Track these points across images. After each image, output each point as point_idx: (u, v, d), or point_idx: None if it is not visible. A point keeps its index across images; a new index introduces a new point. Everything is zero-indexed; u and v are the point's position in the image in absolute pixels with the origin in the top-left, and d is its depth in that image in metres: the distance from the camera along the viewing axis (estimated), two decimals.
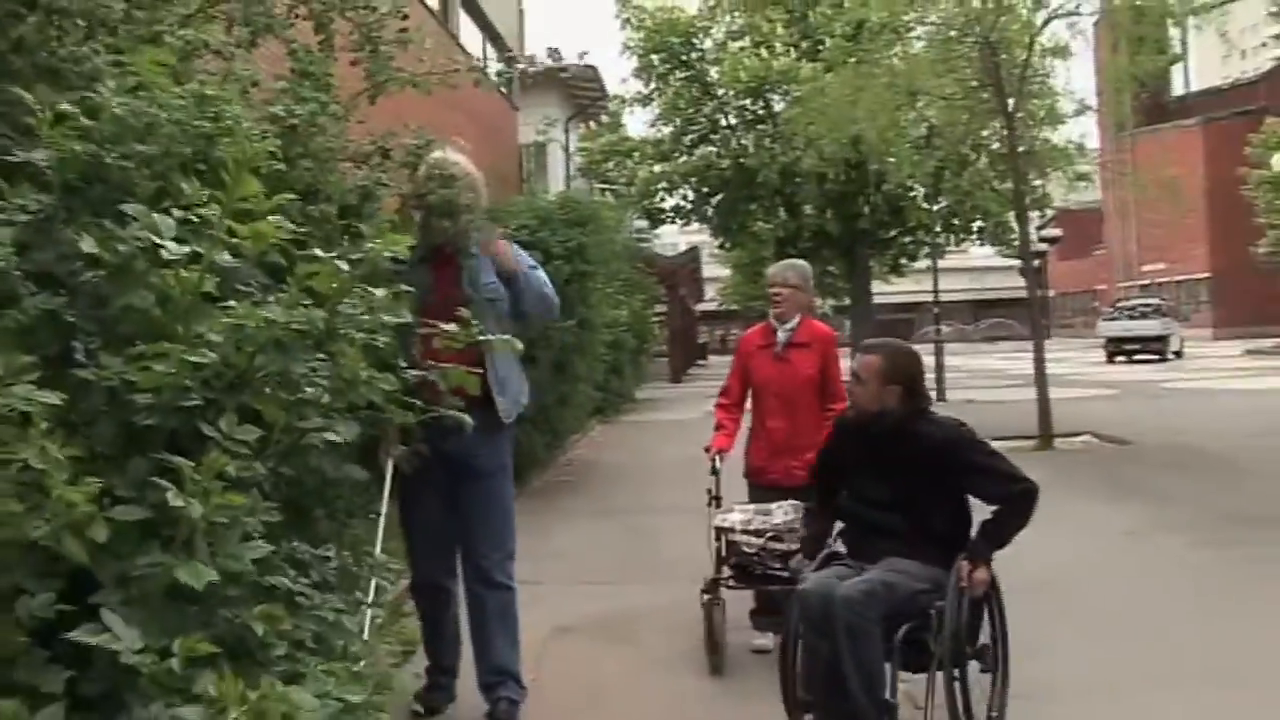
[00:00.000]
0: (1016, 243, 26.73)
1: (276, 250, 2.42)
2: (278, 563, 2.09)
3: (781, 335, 6.01)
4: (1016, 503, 4.26)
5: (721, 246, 34.40)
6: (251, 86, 3.89)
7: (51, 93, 2.74)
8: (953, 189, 23.82)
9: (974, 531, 4.32)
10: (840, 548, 4.55)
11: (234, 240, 2.33)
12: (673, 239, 48.43)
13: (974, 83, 15.10)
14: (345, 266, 2.33)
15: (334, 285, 2.34)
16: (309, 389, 2.29)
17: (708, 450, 5.92)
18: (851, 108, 14.99)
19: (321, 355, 2.38)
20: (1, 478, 1.69)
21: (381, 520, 4.25)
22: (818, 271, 33.13)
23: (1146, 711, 4.97)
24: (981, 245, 31.28)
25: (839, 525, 4.65)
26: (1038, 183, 20.81)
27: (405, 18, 6.28)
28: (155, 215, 2.21)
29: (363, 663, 1.98)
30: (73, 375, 2.07)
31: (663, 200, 31.79)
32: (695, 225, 33.91)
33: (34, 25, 3.00)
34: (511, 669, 4.86)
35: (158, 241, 2.12)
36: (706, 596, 5.66)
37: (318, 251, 2.39)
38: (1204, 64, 62.33)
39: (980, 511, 4.35)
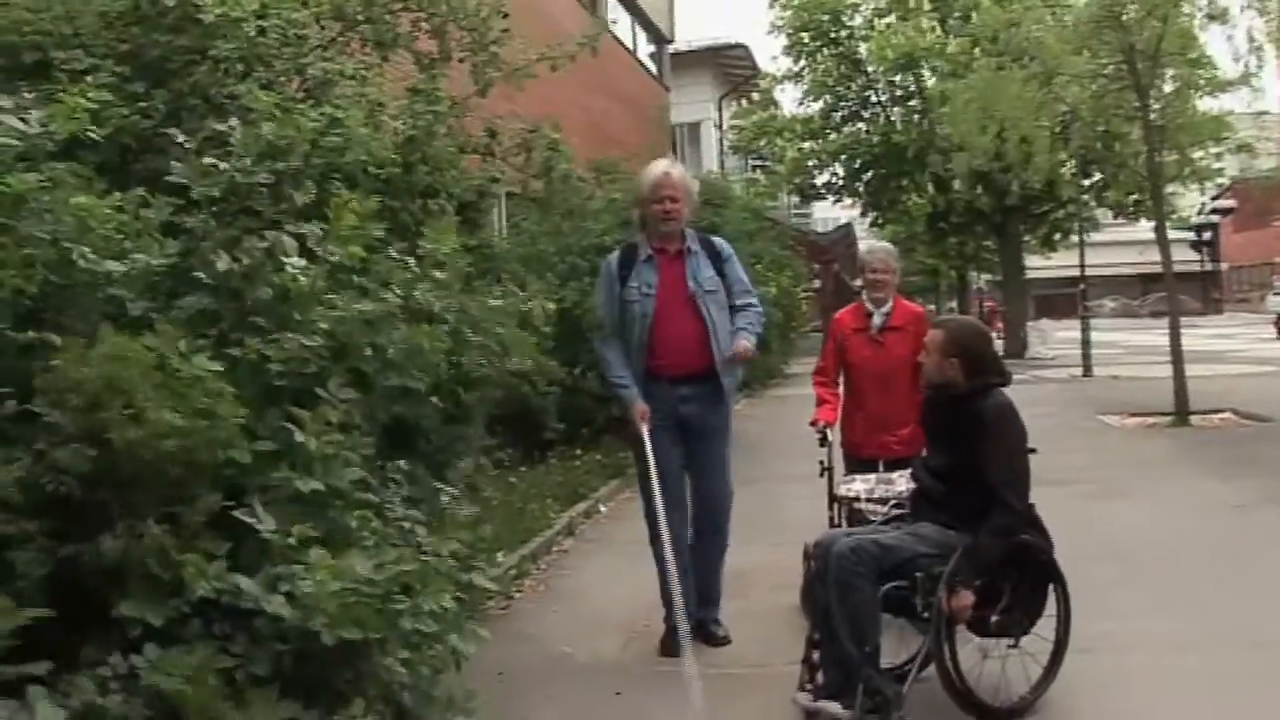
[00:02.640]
0: (1175, 215, 25.72)
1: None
2: (368, 487, 2.84)
3: (877, 320, 6.27)
4: (996, 522, 4.40)
5: (874, 223, 34.15)
6: (378, 108, 4.54)
7: (217, 124, 3.49)
8: (1103, 163, 23.37)
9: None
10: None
11: (335, 258, 3.07)
12: (831, 214, 48.15)
13: (1115, 61, 14.88)
14: (413, 261, 3.10)
15: (407, 277, 3.13)
16: (391, 353, 3.04)
17: (813, 424, 6.25)
18: (994, 105, 15.12)
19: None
20: (194, 415, 2.47)
21: (652, 470, 5.27)
22: (971, 247, 32.79)
23: (1201, 668, 5.14)
24: (1137, 219, 30.46)
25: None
26: (1197, 154, 20.14)
27: (505, 16, 6.64)
28: (284, 237, 2.97)
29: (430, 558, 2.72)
30: (224, 351, 2.80)
31: (814, 176, 31.93)
32: (850, 200, 33.84)
33: (205, 70, 3.73)
34: (719, 600, 5.91)
35: (283, 259, 2.87)
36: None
37: (392, 253, 3.16)
38: None
39: None
